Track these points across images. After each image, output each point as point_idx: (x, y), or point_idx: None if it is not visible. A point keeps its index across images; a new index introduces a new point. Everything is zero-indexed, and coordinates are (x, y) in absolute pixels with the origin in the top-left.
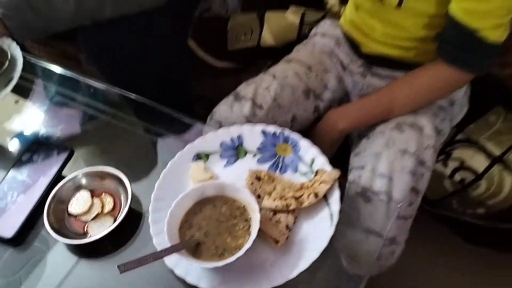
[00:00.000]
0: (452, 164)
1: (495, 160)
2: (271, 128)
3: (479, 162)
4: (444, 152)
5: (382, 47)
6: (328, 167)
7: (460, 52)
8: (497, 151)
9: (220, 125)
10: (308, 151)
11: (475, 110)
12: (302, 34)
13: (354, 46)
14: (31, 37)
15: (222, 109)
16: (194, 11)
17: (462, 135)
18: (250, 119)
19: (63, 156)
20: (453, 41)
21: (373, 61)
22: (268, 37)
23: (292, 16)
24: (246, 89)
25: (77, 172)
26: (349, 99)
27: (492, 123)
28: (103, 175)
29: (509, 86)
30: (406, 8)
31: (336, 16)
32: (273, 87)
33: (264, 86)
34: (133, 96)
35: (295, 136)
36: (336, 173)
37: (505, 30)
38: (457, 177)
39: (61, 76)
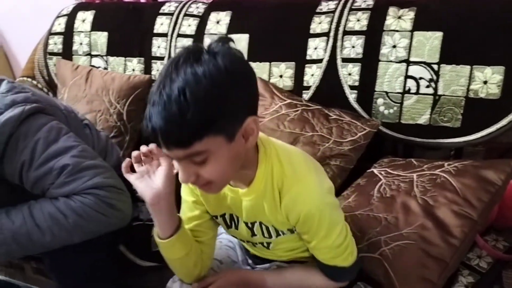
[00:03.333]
0: None
1: None
2: None
3: None
4: None
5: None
6: None
7: (331, 275)
8: None
9: None
10: None
11: None
12: None
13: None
14: (11, 259)
15: None
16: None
17: None
18: None
19: None
20: (324, 268)
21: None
22: None
23: None
24: (172, 285)
25: None
26: None
27: None
28: None
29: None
30: (273, 249)
31: None
32: None
33: None
34: None
35: None
36: None
37: (351, 255)
38: None
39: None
